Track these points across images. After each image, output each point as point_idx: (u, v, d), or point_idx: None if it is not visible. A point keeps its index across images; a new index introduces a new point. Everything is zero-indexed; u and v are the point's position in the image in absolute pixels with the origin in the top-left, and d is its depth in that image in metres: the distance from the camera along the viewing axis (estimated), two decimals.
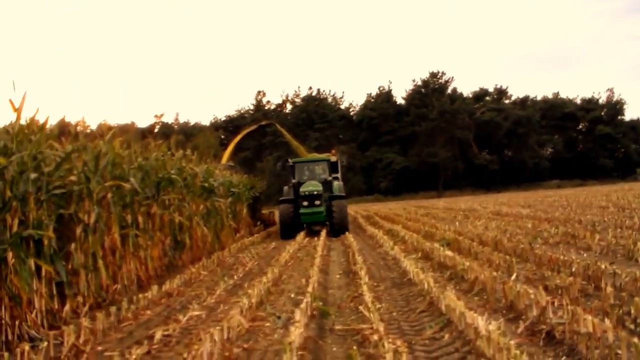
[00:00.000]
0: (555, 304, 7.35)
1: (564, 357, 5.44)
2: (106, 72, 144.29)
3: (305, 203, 22.45)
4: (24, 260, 7.45)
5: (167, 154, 14.61)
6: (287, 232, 21.87)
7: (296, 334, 5.76)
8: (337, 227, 21.75)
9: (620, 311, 6.48)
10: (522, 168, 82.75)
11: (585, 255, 11.43)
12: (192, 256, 15.24)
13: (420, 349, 6.05)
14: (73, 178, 9.62)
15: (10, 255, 7.32)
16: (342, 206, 22.31)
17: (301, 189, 22.73)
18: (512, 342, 5.05)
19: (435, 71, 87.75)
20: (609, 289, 6.86)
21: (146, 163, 12.79)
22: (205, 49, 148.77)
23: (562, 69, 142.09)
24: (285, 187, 24.86)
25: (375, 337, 5.96)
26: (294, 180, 24.13)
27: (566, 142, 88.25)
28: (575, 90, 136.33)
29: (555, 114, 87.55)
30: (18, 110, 8.27)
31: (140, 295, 9.28)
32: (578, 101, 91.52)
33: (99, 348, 6.87)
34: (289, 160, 25.97)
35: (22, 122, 8.64)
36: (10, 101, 8.28)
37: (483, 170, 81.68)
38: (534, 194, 54.33)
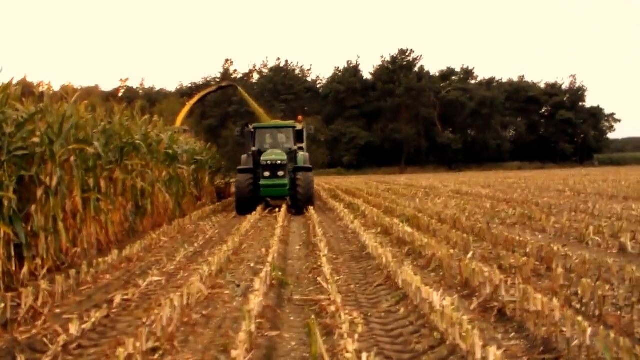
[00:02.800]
0: (509, 282, 7.60)
1: (514, 333, 5.62)
2: (72, 33, 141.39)
3: (266, 173, 19.82)
4: None
5: (131, 119, 14.44)
6: (244, 206, 19.36)
7: (255, 302, 5.85)
8: (302, 203, 19.59)
9: (569, 292, 6.73)
10: (485, 148, 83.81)
11: (540, 237, 11.74)
12: (153, 222, 15.22)
13: (376, 321, 6.19)
14: (36, 140, 9.52)
15: None
16: (308, 179, 20.06)
17: (262, 158, 20.02)
18: (465, 317, 5.20)
19: (404, 48, 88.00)
20: (559, 270, 7.07)
21: (110, 127, 12.68)
22: (175, 15, 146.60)
23: (528, 53, 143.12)
24: (244, 156, 22.24)
25: (333, 308, 6.08)
26: (254, 148, 21.27)
27: (529, 125, 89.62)
28: (539, 74, 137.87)
29: (520, 97, 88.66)
30: None
31: (100, 260, 9.26)
32: (542, 85, 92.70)
33: (57, 311, 6.87)
34: (249, 125, 22.96)
35: None
36: None
37: (446, 149, 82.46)
38: (494, 174, 55.12)
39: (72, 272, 8.06)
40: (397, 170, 77.03)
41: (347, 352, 4.62)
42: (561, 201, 19.02)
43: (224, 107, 77.96)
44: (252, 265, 9.71)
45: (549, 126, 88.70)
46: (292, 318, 6.47)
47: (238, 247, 11.55)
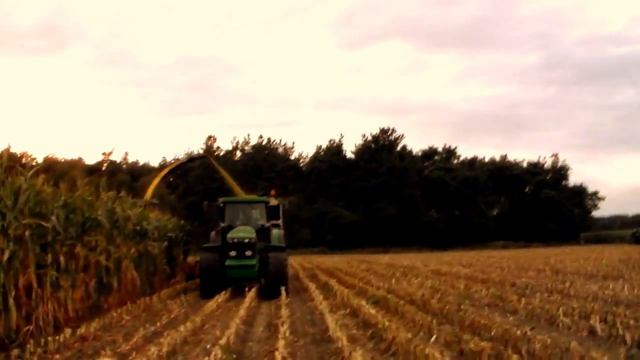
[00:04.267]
0: None
1: None
2: (57, 105, 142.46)
3: (232, 253, 18.14)
4: None
5: (93, 194, 14.29)
6: (209, 289, 17.69)
7: None
8: (274, 286, 17.92)
9: None
10: (469, 228, 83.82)
11: (511, 318, 11.55)
12: (120, 299, 14.88)
13: None
14: None
15: None
16: (280, 260, 18.52)
17: (229, 235, 18.47)
18: None
19: (386, 128, 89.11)
20: (514, 357, 6.85)
21: (71, 202, 12.50)
22: (159, 90, 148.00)
23: (510, 132, 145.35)
24: (213, 233, 21.00)
25: None
26: (222, 224, 19.86)
27: (512, 203, 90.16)
28: (522, 153, 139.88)
29: (503, 176, 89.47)
30: None
31: (50, 339, 8.98)
32: (524, 164, 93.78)
33: None
34: (219, 199, 21.32)
35: None
36: None
37: (430, 228, 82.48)
38: (478, 253, 54.93)
39: (15, 352, 7.77)
40: (382, 249, 76.67)
41: None
42: (539, 281, 18.81)
43: (206, 183, 77.97)
44: (208, 347, 9.41)
45: (533, 205, 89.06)
46: None
47: (199, 327, 11.27)
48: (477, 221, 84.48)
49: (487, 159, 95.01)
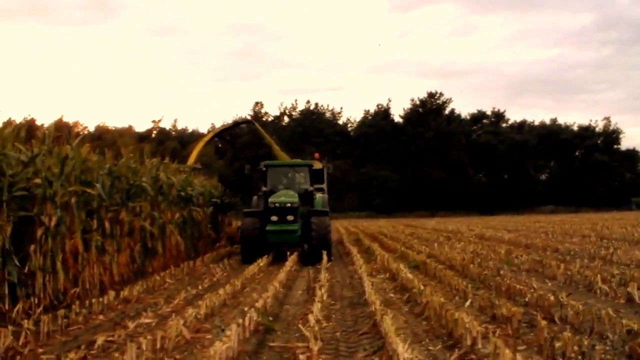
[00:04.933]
0: (497, 333, 7.48)
1: None
2: (109, 75, 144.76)
3: (273, 218, 17.64)
4: None
5: (137, 162, 14.63)
6: (249, 254, 17.24)
7: (222, 348, 5.83)
8: (316, 251, 17.22)
9: (554, 345, 6.54)
10: (518, 192, 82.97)
11: (549, 284, 11.54)
12: (165, 263, 15.30)
13: None
14: (38, 181, 9.72)
15: None
16: (323, 225, 17.77)
17: (270, 200, 18.05)
18: None
19: (433, 91, 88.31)
20: (543, 322, 6.89)
21: (116, 169, 12.86)
22: (208, 56, 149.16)
23: (561, 96, 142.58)
24: (255, 197, 20.26)
25: (304, 356, 6.04)
26: (264, 189, 19.38)
27: (562, 168, 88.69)
28: (573, 117, 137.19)
29: (552, 140, 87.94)
30: None
31: (94, 300, 9.37)
32: (575, 128, 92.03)
33: (40, 350, 6.93)
34: (261, 163, 20.69)
35: None
36: None
37: (477, 193, 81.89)
38: (525, 218, 54.38)
39: (61, 312, 8.14)
40: (428, 214, 76.51)
41: None
42: (583, 246, 18.57)
43: (254, 149, 78.59)
44: (245, 309, 9.67)
45: (583, 169, 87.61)
46: None
47: (239, 290, 11.55)
48: (526, 186, 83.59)
49: (536, 123, 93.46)
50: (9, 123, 9.28)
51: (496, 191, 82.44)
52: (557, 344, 6.25)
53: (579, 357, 5.99)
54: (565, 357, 6.02)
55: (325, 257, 16.11)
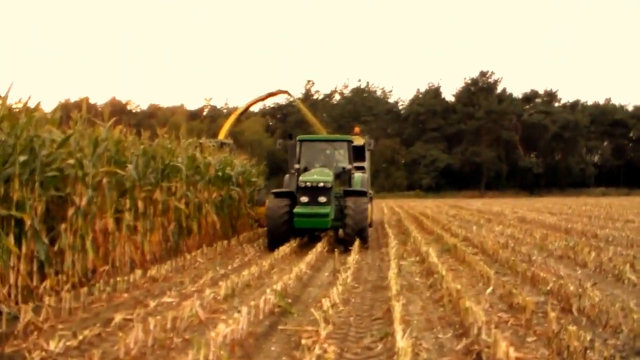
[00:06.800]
0: (509, 323, 7.48)
1: None
2: (161, 54, 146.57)
3: (303, 199, 15.67)
4: None
5: (174, 142, 14.85)
6: (276, 240, 15.34)
7: (227, 330, 5.97)
8: (350, 238, 15.26)
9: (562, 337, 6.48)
10: (568, 173, 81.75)
11: (579, 272, 11.42)
12: (200, 242, 15.53)
13: (348, 356, 6.19)
14: (71, 162, 10.01)
15: None
16: (361, 207, 15.65)
17: (300, 178, 16.03)
18: None
19: (485, 70, 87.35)
20: (552, 314, 6.84)
21: (150, 149, 13.08)
22: (260, 36, 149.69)
23: (616, 75, 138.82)
24: (287, 176, 18.35)
25: (310, 341, 6.16)
26: (297, 166, 17.18)
27: (615, 149, 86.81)
28: (628, 96, 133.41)
29: (605, 120, 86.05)
30: (3, 98, 8.72)
31: (119, 278, 9.63)
32: (630, 108, 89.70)
33: (60, 326, 7.18)
34: (293, 136, 18.67)
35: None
36: None
37: (527, 173, 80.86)
38: (574, 200, 53.57)
39: (84, 289, 8.43)
40: (477, 194, 76.00)
41: None
42: (623, 232, 18.24)
43: (305, 127, 78.87)
44: (268, 290, 9.83)
45: (637, 151, 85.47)
46: (272, 348, 6.54)
47: (267, 271, 11.70)
48: (577, 167, 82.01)
49: (590, 103, 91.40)
50: (37, 107, 9.54)
51: (546, 172, 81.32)
52: (564, 337, 6.21)
53: (586, 352, 5.92)
54: (570, 351, 5.98)
55: (358, 244, 14.69)
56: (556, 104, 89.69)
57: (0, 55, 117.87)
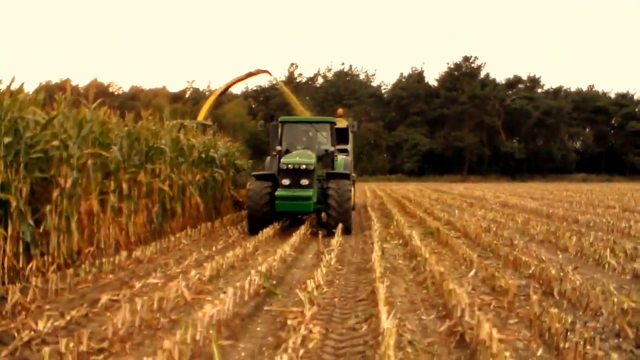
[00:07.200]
0: (492, 305, 7.61)
1: None
2: (141, 35, 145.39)
3: (285, 181, 15.22)
4: None
5: (157, 124, 14.84)
6: (257, 224, 15.03)
7: (213, 311, 6.04)
8: (333, 221, 14.94)
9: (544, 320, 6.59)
10: (550, 159, 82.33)
11: (560, 256, 11.56)
12: (184, 224, 15.57)
13: (334, 337, 6.26)
14: (55, 143, 9.99)
15: None
16: (343, 190, 15.16)
17: (282, 160, 15.54)
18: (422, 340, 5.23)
19: (468, 55, 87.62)
20: (534, 297, 6.96)
21: (134, 131, 13.08)
22: (241, 18, 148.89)
23: (598, 62, 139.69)
24: (268, 158, 17.79)
25: (295, 321, 6.25)
26: (278, 147, 16.77)
27: (597, 136, 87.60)
28: (610, 84, 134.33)
29: (588, 107, 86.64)
30: None
31: (105, 260, 9.67)
32: (612, 95, 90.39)
33: (47, 307, 7.23)
34: (274, 117, 17.87)
35: None
36: None
37: (509, 158, 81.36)
38: (555, 186, 54.05)
39: (70, 271, 8.47)
40: (459, 178, 76.40)
41: None
42: (604, 218, 18.47)
43: (288, 110, 78.69)
44: (252, 272, 9.89)
45: (618, 138, 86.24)
46: (258, 329, 6.61)
47: (251, 252, 11.78)
48: (559, 153, 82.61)
49: (573, 89, 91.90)
50: (21, 89, 9.51)
51: (528, 157, 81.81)
52: (545, 319, 6.33)
53: (567, 334, 6.03)
54: (551, 332, 6.10)
55: (341, 228, 14.40)
56: (539, 90, 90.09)
57: None
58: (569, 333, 5.95)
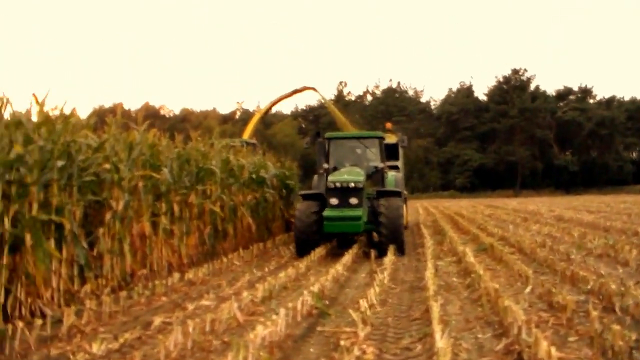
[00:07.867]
0: (550, 322, 7.36)
1: None
2: (191, 59, 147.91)
3: (333, 201, 14.42)
4: (40, 242, 7.95)
5: (207, 145, 14.97)
6: (305, 246, 14.30)
7: (265, 332, 5.98)
8: (385, 241, 14.14)
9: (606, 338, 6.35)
10: (605, 171, 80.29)
11: (620, 270, 11.20)
12: (236, 245, 15.61)
13: (388, 357, 6.15)
14: (107, 166, 10.13)
15: (28, 237, 7.85)
16: (394, 207, 14.38)
17: (329, 179, 14.74)
18: None
19: (517, 68, 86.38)
20: (594, 313, 6.72)
21: (184, 153, 13.20)
22: (291, 38, 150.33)
23: None
24: (315, 176, 17.26)
25: (348, 342, 6.13)
26: (325, 165, 16.07)
27: None
28: None
29: None
30: (41, 104, 8.85)
31: (157, 282, 9.72)
32: None
33: (101, 329, 7.28)
34: (320, 134, 17.19)
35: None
36: (34, 95, 8.87)
37: (563, 171, 79.73)
38: (612, 198, 52.72)
39: (124, 293, 8.53)
40: (512, 193, 75.28)
41: None
42: None
43: (337, 128, 78.81)
44: (305, 292, 9.82)
45: None
46: (311, 350, 6.53)
47: (303, 273, 11.70)
48: (615, 164, 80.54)
49: (626, 99, 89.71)
50: (73, 113, 9.67)
51: (582, 170, 79.95)
52: (608, 336, 6.09)
53: (632, 352, 5.80)
54: (614, 350, 5.86)
55: (393, 249, 13.77)
56: (591, 101, 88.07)
57: (33, 63, 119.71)
58: (633, 351, 5.72)
